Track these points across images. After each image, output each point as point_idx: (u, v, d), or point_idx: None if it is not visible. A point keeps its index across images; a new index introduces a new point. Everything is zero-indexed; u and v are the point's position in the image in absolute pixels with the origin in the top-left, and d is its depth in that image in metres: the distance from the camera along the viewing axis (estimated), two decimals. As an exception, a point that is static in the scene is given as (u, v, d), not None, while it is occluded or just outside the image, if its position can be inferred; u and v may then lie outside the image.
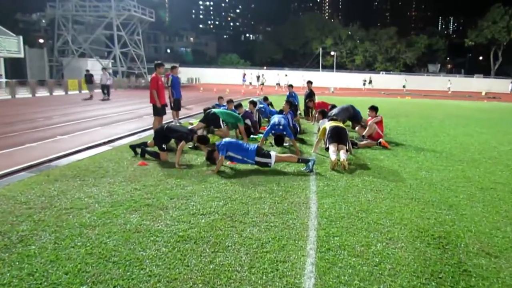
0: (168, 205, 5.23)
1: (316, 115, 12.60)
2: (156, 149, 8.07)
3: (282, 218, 4.88)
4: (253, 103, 11.78)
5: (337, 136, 8.12)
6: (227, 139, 7.45)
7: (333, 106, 12.92)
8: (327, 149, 8.24)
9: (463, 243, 4.38)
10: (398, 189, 6.22)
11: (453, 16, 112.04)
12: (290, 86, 17.60)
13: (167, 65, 13.65)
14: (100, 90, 25.84)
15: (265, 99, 15.89)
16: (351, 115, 11.91)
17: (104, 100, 23.69)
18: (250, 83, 50.29)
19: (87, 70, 28.16)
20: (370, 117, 10.73)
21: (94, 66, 41.52)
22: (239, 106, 11.19)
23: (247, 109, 11.38)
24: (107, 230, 4.43)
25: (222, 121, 10.11)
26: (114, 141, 10.15)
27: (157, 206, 5.18)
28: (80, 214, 4.89)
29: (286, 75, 49.11)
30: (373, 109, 10.75)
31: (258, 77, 50.77)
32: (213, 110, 10.34)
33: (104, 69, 27.33)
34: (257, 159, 7.13)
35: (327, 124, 8.65)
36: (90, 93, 26.24)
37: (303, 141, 10.49)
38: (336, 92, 42.01)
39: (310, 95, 16.14)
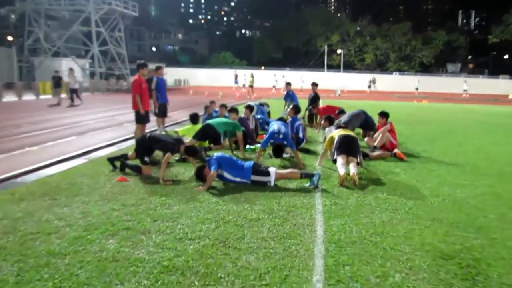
0: (151, 228, 5.12)
1: (322, 122, 12.54)
2: (137, 162, 8.00)
3: (283, 243, 4.77)
4: (250, 108, 11.71)
5: (347, 147, 8.05)
6: (219, 153, 7.39)
7: (341, 111, 12.88)
8: (334, 161, 8.15)
9: (495, 273, 4.26)
10: (418, 208, 6.14)
11: (475, 10, 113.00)
12: (288, 84, 17.60)
13: (152, 66, 13.59)
14: (68, 95, 25.43)
15: (262, 105, 15.84)
16: (363, 122, 11.87)
17: (73, 106, 23.50)
18: (244, 85, 50.35)
19: (56, 71, 27.49)
20: (379, 125, 10.71)
21: (70, 66, 41.54)
22: (233, 111, 11.10)
23: (242, 115, 11.28)
24: (79, 259, 4.30)
25: (224, 133, 9.88)
26: (90, 153, 10.08)
27: (138, 229, 5.08)
28: (49, 240, 4.77)
29: (283, 76, 49.29)
30: (384, 115, 10.74)
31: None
32: (208, 121, 9.98)
33: (71, 70, 26.74)
34: (254, 178, 7.09)
35: (335, 133, 8.59)
36: (57, 99, 25.45)
37: (306, 152, 10.43)
38: (343, 95, 42.19)
39: (314, 99, 16.11)
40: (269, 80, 51.60)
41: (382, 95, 47.03)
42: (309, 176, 7.20)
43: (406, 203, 6.35)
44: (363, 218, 5.66)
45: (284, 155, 9.53)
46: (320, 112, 14.94)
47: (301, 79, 46.52)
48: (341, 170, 7.46)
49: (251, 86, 39.71)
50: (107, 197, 6.36)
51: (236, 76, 52.38)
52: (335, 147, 8.19)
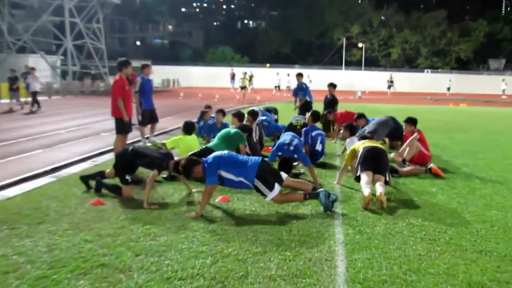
0: (132, 265, 5.02)
1: (341, 131, 12.42)
2: (117, 181, 7.95)
3: (296, 283, 4.66)
4: (253, 115, 11.63)
5: (374, 162, 8.00)
6: (217, 153, 7.26)
7: (361, 116, 12.85)
8: (357, 178, 8.07)
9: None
10: (461, 238, 6.02)
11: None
12: (300, 75, 17.43)
13: (136, 64, 13.55)
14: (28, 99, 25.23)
15: (269, 110, 15.77)
16: (392, 130, 11.80)
17: (33, 113, 23.46)
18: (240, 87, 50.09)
19: (12, 70, 27.09)
20: (406, 134, 10.76)
21: (39, 64, 41.68)
22: (236, 116, 10.98)
23: (244, 123, 11.21)
24: (42, 304, 4.17)
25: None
26: (59, 170, 9.98)
27: (117, 266, 4.98)
28: (5, 280, 4.67)
29: (288, 75, 49.09)
30: (412, 122, 10.76)
31: (250, 78, 50.62)
32: (208, 145, 9.81)
33: (33, 69, 26.53)
34: (257, 183, 6.95)
35: (359, 145, 8.52)
36: (12, 104, 25.28)
37: (322, 166, 10.41)
38: (364, 98, 42.11)
39: (332, 103, 16.01)
40: (274, 79, 51.62)
41: (410, 97, 46.90)
42: (314, 196, 7.08)
43: (446, 231, 6.24)
44: (394, 250, 5.54)
45: (295, 171, 9.45)
46: (337, 119, 14.83)
47: (308, 78, 46.31)
48: (366, 190, 7.35)
49: (243, 88, 39.48)
50: (78, 225, 6.26)
51: (233, 75, 52.14)
52: (359, 162, 8.10)
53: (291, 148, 9.09)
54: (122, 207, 7.20)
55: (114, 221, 6.46)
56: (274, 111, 16.32)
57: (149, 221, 6.46)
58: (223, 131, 10.22)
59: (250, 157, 7.28)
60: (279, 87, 49.82)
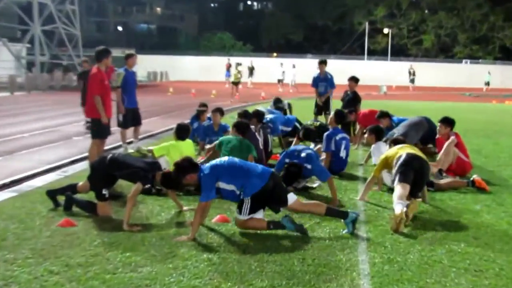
0: (108, 303, 4.90)
1: (365, 135, 12.23)
2: (92, 196, 7.81)
3: (311, 327, 4.51)
4: (258, 116, 11.49)
5: (416, 175, 7.93)
6: (214, 162, 7.18)
7: (384, 114, 12.78)
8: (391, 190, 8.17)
9: None
10: (514, 268, 5.93)
11: None
12: (323, 62, 17.10)
13: (117, 53, 13.47)
14: None
15: (278, 101, 15.59)
16: (426, 133, 11.71)
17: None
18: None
19: None
20: (440, 137, 10.78)
21: (0, 53, 41.73)
22: (244, 116, 10.90)
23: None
24: None
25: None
26: (21, 183, 9.90)
27: (88, 305, 4.86)
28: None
29: (294, 66, 48.92)
30: (448, 123, 10.70)
31: (251, 70, 50.22)
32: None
33: None
34: (247, 200, 6.91)
35: (396, 150, 8.44)
36: None
37: (341, 177, 10.34)
38: (390, 94, 41.91)
39: (353, 101, 15.78)
40: (277, 72, 51.34)
41: (444, 93, 46.67)
42: (338, 215, 7.07)
43: (495, 260, 6.10)
44: (432, 285, 5.44)
45: (309, 184, 9.39)
46: (360, 119, 14.70)
47: (293, 66, 46.84)
48: (398, 207, 7.25)
49: (235, 83, 36.59)
50: (42, 252, 6.10)
51: (229, 66, 51.27)
52: (398, 170, 7.98)
53: (302, 155, 8.95)
54: (96, 229, 7.05)
55: (87, 247, 6.31)
56: (288, 106, 16.20)
57: (130, 247, 6.32)
58: (229, 143, 9.94)
59: (258, 166, 7.19)
60: (282, 80, 49.40)
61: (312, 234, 6.95)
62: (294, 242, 6.61)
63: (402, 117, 13.74)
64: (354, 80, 16.33)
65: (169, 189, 7.91)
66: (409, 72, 53.10)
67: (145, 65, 56.77)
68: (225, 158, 7.23)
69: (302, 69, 47.50)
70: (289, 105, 16.81)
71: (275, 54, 70.35)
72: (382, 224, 7.40)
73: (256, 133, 11.14)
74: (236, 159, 7.29)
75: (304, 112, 18.09)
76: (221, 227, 7.18)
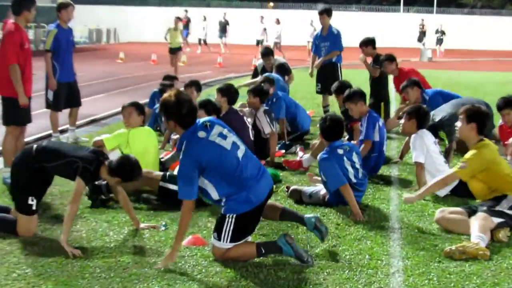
0: None
1: (401, 120, 9.78)
2: (11, 206, 6.53)
3: None
4: (259, 93, 9.72)
5: None
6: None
7: (412, 83, 10.58)
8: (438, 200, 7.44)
9: None
10: None
11: None
12: (325, 12, 13.29)
13: (46, 2, 11.63)
14: None
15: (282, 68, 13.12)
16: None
17: None
18: (203, 41, 43.53)
19: None
20: (502, 125, 9.44)
21: None
22: (225, 93, 9.25)
23: (239, 109, 9.96)
24: None
25: None
26: None
27: None
28: None
29: (278, 22, 39.58)
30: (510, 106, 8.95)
31: (224, 26, 43.40)
32: None
33: None
34: (229, 217, 5.76)
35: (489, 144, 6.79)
36: None
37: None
38: (437, 62, 37.35)
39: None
40: (256, 29, 41.03)
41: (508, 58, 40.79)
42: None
43: None
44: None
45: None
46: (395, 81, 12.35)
47: (311, 25, 37.44)
48: (484, 242, 5.87)
49: (173, 51, 25.47)
50: None
51: (188, 21, 44.32)
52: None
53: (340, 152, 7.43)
54: (16, 255, 5.70)
55: (2, 282, 5.11)
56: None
57: (63, 282, 5.10)
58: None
59: (262, 170, 5.88)
60: (262, 42, 38.92)
61: (320, 261, 5.68)
62: (297, 274, 5.39)
63: (447, 90, 11.85)
64: (367, 44, 12.65)
65: (126, 180, 6.35)
66: (436, 31, 45.00)
67: (85, 19, 48.44)
68: (230, 139, 5.72)
69: (292, 26, 43.45)
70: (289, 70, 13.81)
71: (271, 4, 64.15)
72: (426, 248, 6.04)
73: (258, 119, 9.57)
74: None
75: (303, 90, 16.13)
76: (195, 252, 5.81)
